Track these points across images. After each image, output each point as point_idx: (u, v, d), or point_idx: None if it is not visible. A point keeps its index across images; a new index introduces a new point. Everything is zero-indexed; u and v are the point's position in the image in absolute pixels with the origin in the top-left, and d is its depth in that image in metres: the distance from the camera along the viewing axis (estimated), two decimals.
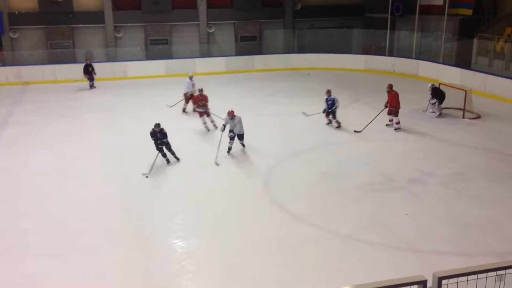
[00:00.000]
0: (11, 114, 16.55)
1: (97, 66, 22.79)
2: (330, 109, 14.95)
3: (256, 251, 8.30)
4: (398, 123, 14.82)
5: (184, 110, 17.07)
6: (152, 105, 18.06)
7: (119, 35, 24.70)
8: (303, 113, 16.00)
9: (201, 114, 14.99)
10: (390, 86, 14.89)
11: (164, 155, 12.09)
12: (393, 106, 14.71)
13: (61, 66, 22.73)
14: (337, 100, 14.91)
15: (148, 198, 10.45)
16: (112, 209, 9.91)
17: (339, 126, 15.02)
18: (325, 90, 15.13)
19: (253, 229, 9.06)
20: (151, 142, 13.67)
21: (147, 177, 11.34)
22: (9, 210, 9.87)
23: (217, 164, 12.14)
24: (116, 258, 8.11)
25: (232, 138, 12.78)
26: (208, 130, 14.95)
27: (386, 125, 15.03)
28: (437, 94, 16.00)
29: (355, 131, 14.67)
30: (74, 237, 8.79)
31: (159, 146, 11.93)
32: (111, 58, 24.13)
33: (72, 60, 23.65)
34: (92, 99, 19.12)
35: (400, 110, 14.87)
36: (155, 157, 11.89)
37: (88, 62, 20.79)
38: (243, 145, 13.14)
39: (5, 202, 10.25)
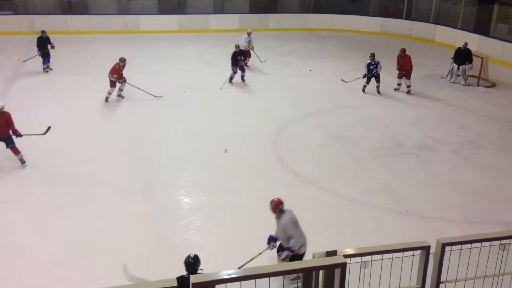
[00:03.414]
0: (22, 63, 16.50)
1: (110, 19, 22.61)
2: (371, 73, 14.40)
3: (263, 210, 8.35)
4: (410, 86, 14.75)
5: (245, 64, 16.78)
6: (163, 60, 17.93)
7: None
8: (342, 79, 15.42)
9: (113, 84, 13.38)
10: (404, 50, 14.69)
11: None
12: (407, 69, 14.58)
13: (73, 17, 22.50)
14: (380, 64, 14.42)
15: (157, 153, 10.52)
16: (120, 162, 10.00)
17: (378, 92, 14.65)
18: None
19: (260, 189, 9.11)
20: (160, 97, 13.72)
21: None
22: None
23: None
24: (122, 212, 8.23)
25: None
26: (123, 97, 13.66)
27: (395, 89, 14.89)
28: (470, 57, 15.52)
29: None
30: (81, 190, 8.91)
31: None
32: (123, 10, 23.82)
33: (85, 11, 23.39)
34: (104, 52, 18.96)
35: (414, 75, 14.75)
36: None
37: (237, 49, 15.35)
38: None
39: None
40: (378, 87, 14.61)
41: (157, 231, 7.79)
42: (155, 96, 13.73)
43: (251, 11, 25.20)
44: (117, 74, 13.25)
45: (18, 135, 9.48)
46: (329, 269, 3.39)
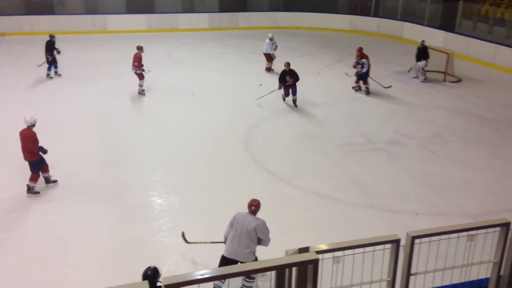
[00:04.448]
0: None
1: (77, 19, 22.19)
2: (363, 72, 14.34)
3: (236, 209, 8.35)
4: (368, 85, 14.76)
5: (267, 69, 16.96)
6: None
7: None
8: (345, 73, 15.10)
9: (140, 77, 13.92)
10: (361, 49, 14.73)
11: None
12: None
13: (38, 17, 21.99)
14: (364, 64, 14.21)
15: (127, 155, 10.38)
16: (90, 165, 9.83)
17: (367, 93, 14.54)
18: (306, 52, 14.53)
19: (233, 188, 9.10)
20: (130, 97, 13.59)
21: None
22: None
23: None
24: (94, 215, 8.11)
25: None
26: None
27: (353, 87, 14.94)
28: (427, 54, 15.84)
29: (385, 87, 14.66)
30: (52, 192, 8.75)
31: None
32: (91, 10, 23.45)
33: (50, 11, 22.92)
34: (71, 53, 18.58)
35: (383, 72, 14.89)
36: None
37: (287, 68, 13.46)
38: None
39: None
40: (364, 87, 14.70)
41: (128, 233, 7.69)
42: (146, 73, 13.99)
43: (220, 10, 25.14)
44: (138, 62, 13.57)
45: (45, 151, 8.76)
46: (302, 266, 3.41)
